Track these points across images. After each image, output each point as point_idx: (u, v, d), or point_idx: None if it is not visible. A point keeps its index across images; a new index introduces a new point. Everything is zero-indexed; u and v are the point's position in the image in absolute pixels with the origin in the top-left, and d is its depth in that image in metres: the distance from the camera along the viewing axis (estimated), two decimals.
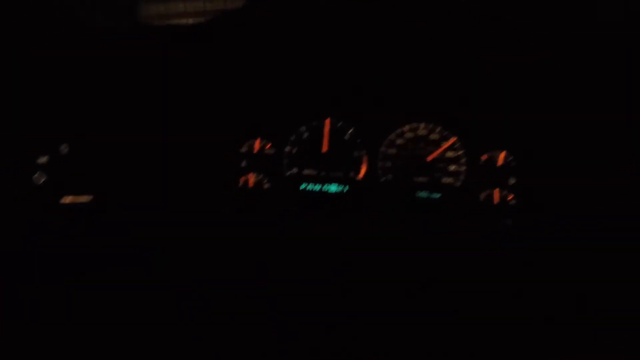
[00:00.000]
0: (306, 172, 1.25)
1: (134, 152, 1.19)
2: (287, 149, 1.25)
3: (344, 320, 1.05)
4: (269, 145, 1.26)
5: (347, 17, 1.10)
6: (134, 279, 1.13)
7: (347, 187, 1.23)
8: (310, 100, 1.23)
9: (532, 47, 1.02)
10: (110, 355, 1.02)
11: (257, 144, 1.26)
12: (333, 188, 1.24)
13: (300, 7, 1.06)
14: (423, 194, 1.20)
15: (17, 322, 1.04)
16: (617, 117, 1.01)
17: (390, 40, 1.12)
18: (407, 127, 1.20)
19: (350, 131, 1.22)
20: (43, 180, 1.14)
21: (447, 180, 1.19)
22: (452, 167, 1.19)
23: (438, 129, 1.19)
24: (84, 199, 1.16)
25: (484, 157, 1.17)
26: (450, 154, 1.19)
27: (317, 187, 1.25)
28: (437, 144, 1.19)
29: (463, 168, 1.18)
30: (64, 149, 1.16)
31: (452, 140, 1.18)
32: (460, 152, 1.18)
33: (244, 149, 1.27)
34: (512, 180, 1.16)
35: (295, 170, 1.26)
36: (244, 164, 1.27)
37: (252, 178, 1.25)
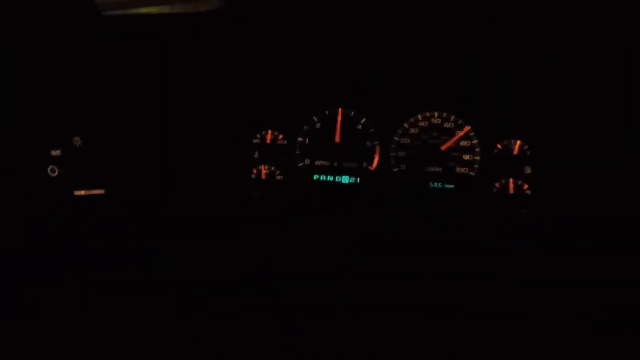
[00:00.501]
0: (318, 162, 1.24)
1: (147, 146, 1.19)
2: (300, 139, 1.25)
3: (355, 312, 1.05)
4: (281, 136, 1.25)
5: (360, 8, 1.09)
6: (146, 273, 1.13)
7: (359, 178, 1.22)
8: (322, 90, 1.22)
9: (547, 40, 1.00)
10: (118, 351, 1.03)
11: (269, 135, 1.25)
12: (345, 179, 1.23)
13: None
14: (437, 184, 1.19)
15: (22, 318, 1.04)
16: (631, 113, 1.00)
17: (404, 31, 1.11)
18: (420, 116, 1.19)
19: (362, 121, 1.21)
20: (57, 172, 1.14)
21: (461, 169, 1.18)
22: (467, 157, 1.18)
23: (452, 118, 1.17)
24: (98, 191, 1.17)
25: (499, 146, 1.15)
26: (464, 143, 1.17)
27: (330, 178, 1.24)
28: (451, 132, 1.18)
29: (477, 157, 1.17)
30: (77, 141, 1.16)
31: (467, 129, 1.16)
32: (474, 141, 1.17)
33: (256, 141, 1.26)
34: (527, 170, 1.15)
35: (307, 161, 1.25)
36: (256, 155, 1.26)
37: (264, 169, 1.24)
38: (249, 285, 1.08)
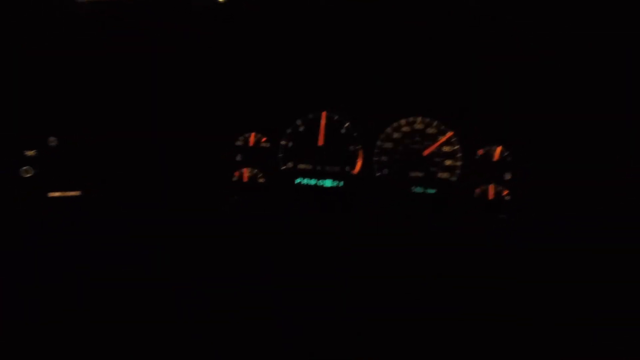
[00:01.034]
0: (301, 166, 1.24)
1: (125, 146, 1.17)
2: (283, 142, 1.24)
3: (338, 316, 1.05)
4: (264, 139, 1.24)
5: (345, 12, 1.09)
6: (124, 277, 1.11)
7: (342, 182, 1.22)
8: (306, 93, 1.21)
9: (529, 46, 1.02)
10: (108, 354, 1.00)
11: (252, 138, 1.24)
12: (328, 183, 1.23)
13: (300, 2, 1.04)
14: (418, 189, 1.20)
15: (8, 319, 1.01)
16: (613, 117, 1.02)
17: (389, 35, 1.11)
18: (403, 121, 1.20)
19: (346, 125, 1.21)
20: (31, 173, 1.10)
21: (442, 175, 1.19)
22: (448, 162, 1.19)
23: (435, 123, 1.18)
24: (73, 193, 1.14)
25: (480, 152, 1.17)
26: (446, 148, 1.18)
27: (313, 182, 1.24)
28: (433, 138, 1.18)
29: (459, 163, 1.18)
30: (52, 142, 1.13)
31: (449, 134, 1.17)
32: (456, 147, 1.18)
33: (239, 143, 1.25)
34: (507, 176, 1.16)
35: (290, 164, 1.24)
36: (238, 157, 1.25)
37: (246, 172, 1.23)
38: (227, 287, 1.07)
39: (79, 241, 1.11)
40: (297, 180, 1.24)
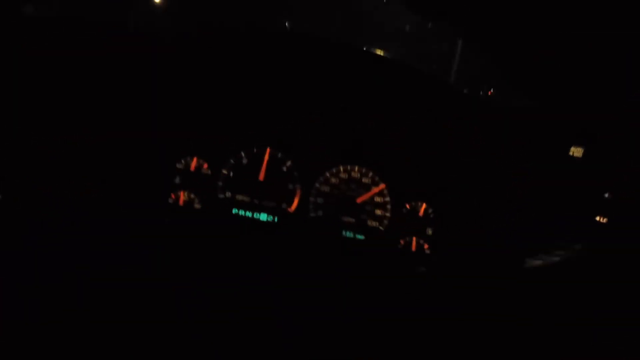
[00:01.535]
0: (239, 197, 1.26)
1: (55, 151, 1.13)
2: (224, 171, 1.25)
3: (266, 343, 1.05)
4: (206, 165, 1.25)
5: (289, 55, 1.17)
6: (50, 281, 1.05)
7: (277, 217, 1.26)
8: (254, 127, 1.25)
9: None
10: None
11: (194, 162, 1.25)
12: (264, 217, 1.25)
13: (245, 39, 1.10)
14: (349, 234, 1.26)
15: None
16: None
17: (329, 83, 1.20)
18: (342, 168, 1.27)
19: (288, 163, 1.26)
20: None
21: (372, 223, 1.26)
22: (379, 212, 1.26)
23: (370, 174, 1.26)
24: None
25: (408, 206, 1.26)
26: (378, 198, 1.26)
27: (249, 214, 1.26)
28: (367, 187, 1.26)
29: (388, 214, 1.26)
30: None
31: (382, 186, 1.26)
32: (387, 199, 1.26)
33: (179, 166, 1.25)
34: (429, 231, 1.25)
35: (228, 194, 1.26)
36: (177, 180, 1.24)
37: (182, 196, 1.23)
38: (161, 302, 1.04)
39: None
40: (234, 211, 1.25)
